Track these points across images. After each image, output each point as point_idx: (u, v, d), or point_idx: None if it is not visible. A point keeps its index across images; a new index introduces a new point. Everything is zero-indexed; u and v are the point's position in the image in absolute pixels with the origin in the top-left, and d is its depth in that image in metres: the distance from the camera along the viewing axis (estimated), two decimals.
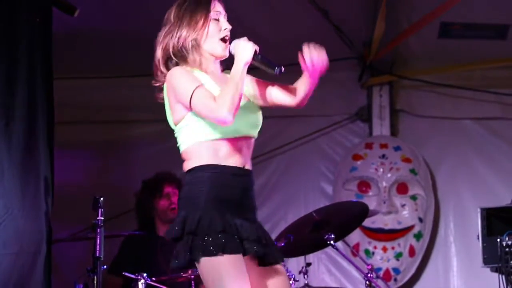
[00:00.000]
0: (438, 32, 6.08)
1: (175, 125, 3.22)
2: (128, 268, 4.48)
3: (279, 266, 3.24)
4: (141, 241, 5.18)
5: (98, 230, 4.16)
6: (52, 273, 4.43)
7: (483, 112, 6.51)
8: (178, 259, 3.09)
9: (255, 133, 3.26)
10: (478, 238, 4.75)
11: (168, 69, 3.23)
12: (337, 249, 4.75)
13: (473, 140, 6.52)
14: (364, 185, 6.36)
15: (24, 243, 4.21)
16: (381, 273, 6.14)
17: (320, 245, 4.75)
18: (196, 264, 3.07)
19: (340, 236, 4.81)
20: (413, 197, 6.33)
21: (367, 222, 5.89)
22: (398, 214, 6.30)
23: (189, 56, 3.22)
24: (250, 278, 3.08)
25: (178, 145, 3.24)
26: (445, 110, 6.57)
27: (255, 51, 3.18)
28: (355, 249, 6.06)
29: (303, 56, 3.22)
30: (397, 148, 6.43)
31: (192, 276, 4.38)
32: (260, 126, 3.29)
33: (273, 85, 3.35)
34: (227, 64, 3.29)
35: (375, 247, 6.26)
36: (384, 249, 6.25)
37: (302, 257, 4.98)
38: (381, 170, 6.35)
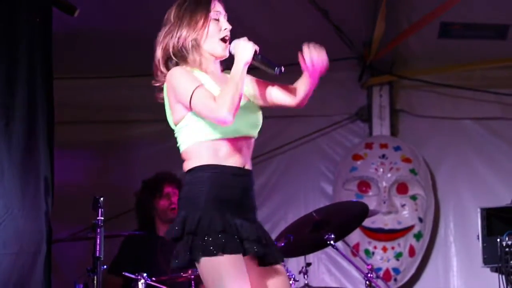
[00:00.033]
0: (438, 32, 6.08)
1: (175, 125, 3.22)
2: (128, 268, 4.48)
3: (279, 266, 3.24)
4: (141, 241, 5.18)
5: (98, 230, 4.16)
6: (52, 273, 4.43)
7: (483, 112, 6.51)
8: (178, 259, 3.09)
9: (255, 133, 3.26)
10: (478, 238, 4.75)
11: (168, 69, 3.23)
12: (337, 249, 4.75)
13: (473, 140, 6.52)
14: (364, 185, 6.36)
15: (24, 243, 4.21)
16: (381, 273, 6.14)
17: (320, 245, 4.75)
18: (196, 264, 3.07)
19: (340, 236, 4.81)
20: (413, 197, 6.33)
21: (367, 222, 5.89)
22: (398, 214, 6.30)
23: (189, 56, 3.22)
24: (250, 278, 3.08)
25: (178, 145, 3.24)
26: (445, 110, 6.57)
27: (255, 51, 3.17)
28: (355, 249, 6.06)
29: (303, 56, 3.21)
30: (397, 148, 6.43)
31: (192, 276, 4.38)
32: (260, 126, 3.29)
33: (273, 85, 3.35)
34: (227, 64, 3.29)
35: (375, 247, 6.26)
36: (384, 249, 6.25)
37: (302, 257, 4.98)
38: (381, 170, 6.35)
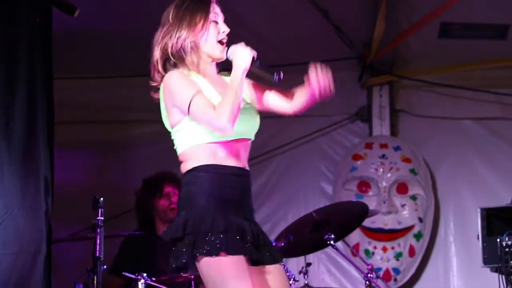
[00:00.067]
0: (438, 32, 6.08)
1: (172, 127, 3.22)
2: (128, 268, 4.47)
3: (278, 266, 3.23)
4: (141, 241, 5.18)
5: (98, 230, 4.15)
6: (52, 273, 4.42)
7: (483, 112, 6.52)
8: (178, 260, 3.08)
9: (253, 135, 3.26)
10: (478, 238, 4.76)
11: (165, 69, 3.22)
12: (337, 249, 4.75)
13: (473, 140, 6.52)
14: (364, 185, 6.36)
15: (24, 243, 4.20)
16: (381, 273, 6.14)
17: (320, 245, 4.75)
18: (197, 264, 3.06)
19: (340, 236, 4.81)
20: (413, 197, 6.33)
21: (367, 222, 5.89)
22: (398, 214, 6.30)
23: (187, 57, 3.21)
24: (251, 278, 3.08)
25: (175, 147, 3.23)
26: (445, 110, 6.57)
27: (253, 57, 3.17)
28: (355, 249, 6.07)
29: (308, 76, 3.19)
30: (397, 148, 6.44)
31: (192, 276, 4.37)
32: (257, 129, 3.29)
33: (270, 90, 3.35)
34: (223, 65, 3.29)
35: (375, 247, 6.26)
36: (384, 249, 6.25)
37: (302, 257, 4.98)
38: (381, 170, 6.35)
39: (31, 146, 4.32)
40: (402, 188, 6.34)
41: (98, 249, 4.14)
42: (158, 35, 3.24)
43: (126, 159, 6.38)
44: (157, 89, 3.25)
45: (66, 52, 5.43)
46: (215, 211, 3.09)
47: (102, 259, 4.14)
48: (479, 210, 4.80)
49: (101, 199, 4.19)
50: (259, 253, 3.15)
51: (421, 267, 6.41)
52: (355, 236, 6.14)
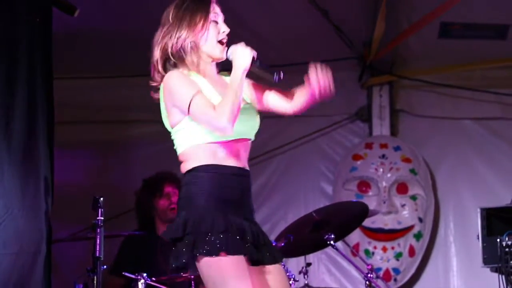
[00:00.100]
0: (438, 32, 6.08)
1: (172, 127, 3.22)
2: (128, 268, 4.47)
3: (278, 266, 3.23)
4: (141, 241, 5.18)
5: (98, 230, 4.15)
6: (52, 273, 4.42)
7: (483, 112, 6.51)
8: (178, 260, 3.08)
9: (253, 135, 3.26)
10: (478, 238, 4.76)
11: (165, 69, 3.22)
12: (337, 249, 4.75)
13: (473, 140, 6.53)
14: (364, 185, 6.36)
15: (24, 243, 4.20)
16: (381, 273, 6.14)
17: (320, 245, 4.75)
18: (197, 264, 3.06)
19: (340, 236, 4.81)
20: (413, 197, 6.33)
21: (367, 222, 5.89)
22: (398, 214, 6.30)
23: (187, 57, 3.21)
24: (251, 279, 3.07)
25: (175, 147, 3.23)
26: (445, 110, 6.57)
27: (253, 57, 3.16)
28: (355, 249, 6.06)
29: (308, 76, 3.18)
30: (397, 148, 6.44)
31: (192, 276, 4.37)
32: (257, 129, 3.28)
33: (270, 90, 3.35)
34: (223, 65, 3.29)
35: (375, 247, 6.26)
36: (384, 249, 6.25)
37: (302, 257, 4.98)
38: (381, 170, 6.35)
39: (31, 146, 4.32)
40: (402, 188, 6.34)
41: (98, 249, 4.14)
42: (158, 35, 3.24)
43: (126, 159, 6.38)
44: (157, 89, 3.25)
45: (66, 52, 5.43)
46: (215, 211, 3.08)
47: (102, 259, 4.14)
48: (479, 210, 4.80)
49: (101, 199, 4.19)
50: (259, 253, 3.15)
51: (421, 267, 6.41)
52: (355, 236, 6.14)
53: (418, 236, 6.28)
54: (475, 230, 4.80)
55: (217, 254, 3.01)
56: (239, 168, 3.18)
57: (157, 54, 3.23)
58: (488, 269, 4.79)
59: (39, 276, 4.28)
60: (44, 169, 4.38)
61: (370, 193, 6.33)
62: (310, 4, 5.60)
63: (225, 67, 3.26)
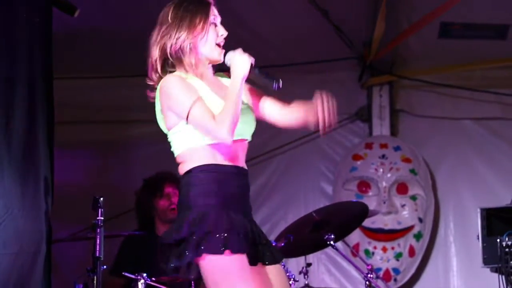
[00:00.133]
0: (438, 32, 6.08)
1: (168, 130, 3.21)
2: (128, 268, 4.47)
3: (278, 266, 3.23)
4: (141, 241, 5.18)
5: (98, 230, 4.15)
6: (52, 273, 4.42)
7: (483, 112, 6.52)
8: (181, 260, 3.07)
9: (250, 136, 3.26)
10: (478, 238, 4.75)
11: (164, 70, 3.22)
12: (337, 249, 4.75)
13: (473, 140, 6.53)
14: (364, 185, 6.36)
15: (24, 243, 4.20)
16: (381, 273, 6.14)
17: (320, 245, 4.74)
18: (200, 262, 3.05)
19: (340, 236, 4.81)
20: (413, 197, 6.33)
21: (367, 222, 5.89)
22: (398, 214, 6.30)
23: (185, 58, 3.20)
24: (252, 277, 3.07)
25: (172, 149, 3.23)
26: (445, 110, 6.57)
27: (251, 64, 3.16)
28: (355, 249, 6.06)
29: (312, 103, 3.15)
30: (397, 148, 6.43)
31: (192, 276, 4.36)
32: (254, 129, 3.28)
33: (266, 98, 3.33)
34: (218, 65, 3.29)
35: (375, 247, 6.26)
36: (384, 249, 6.25)
37: (302, 258, 4.98)
38: (381, 170, 6.35)
39: (31, 146, 4.31)
40: (402, 188, 6.34)
41: (98, 249, 4.14)
42: (157, 35, 3.23)
43: (126, 159, 6.38)
44: (153, 88, 3.25)
45: (66, 52, 5.43)
46: (217, 210, 3.08)
47: (102, 259, 4.14)
48: (479, 210, 4.80)
49: (101, 199, 4.19)
50: (259, 252, 3.16)
51: (421, 267, 6.41)
52: (355, 236, 6.14)
53: (418, 236, 6.28)
54: (475, 230, 4.80)
55: (221, 252, 3.00)
56: (238, 167, 3.18)
57: (155, 53, 3.22)
58: (488, 269, 4.79)
59: (39, 276, 4.28)
60: (44, 169, 4.38)
61: (370, 193, 6.33)
62: (310, 4, 5.60)
63: (220, 67, 3.26)
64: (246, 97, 3.29)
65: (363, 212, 4.79)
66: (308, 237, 4.71)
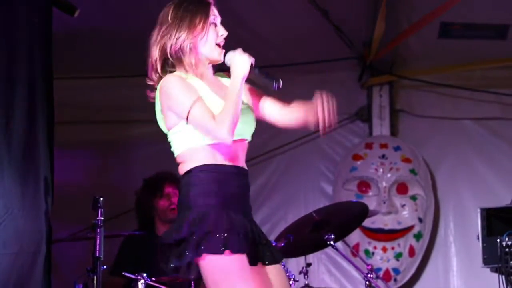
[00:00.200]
0: (438, 32, 6.08)
1: (168, 130, 3.21)
2: (128, 268, 4.47)
3: (278, 266, 3.23)
4: (141, 241, 5.18)
5: (98, 230, 4.15)
6: (52, 273, 4.42)
7: (483, 112, 6.52)
8: (181, 260, 3.06)
9: (250, 136, 3.26)
10: (478, 238, 4.75)
11: (164, 69, 3.22)
12: (337, 249, 4.75)
13: (473, 140, 6.53)
14: (364, 185, 6.36)
15: (24, 243, 4.20)
16: (381, 273, 6.14)
17: (320, 245, 4.74)
18: (201, 262, 3.05)
19: (340, 236, 4.81)
20: (413, 197, 6.33)
21: (367, 222, 5.89)
22: (398, 214, 6.30)
23: (185, 58, 3.20)
24: (252, 277, 3.07)
25: (172, 149, 3.23)
26: (445, 110, 6.57)
27: (251, 64, 3.16)
28: (355, 249, 6.06)
29: (312, 103, 3.15)
30: (397, 148, 6.43)
31: (192, 276, 4.36)
32: (254, 129, 3.28)
33: (266, 98, 3.33)
34: (219, 65, 3.29)
35: (375, 247, 6.26)
36: (384, 249, 6.25)
37: (302, 258, 4.98)
38: (381, 170, 6.35)
39: (31, 146, 4.31)
40: (402, 188, 6.33)
41: (98, 249, 4.14)
42: (157, 34, 3.22)
43: (126, 159, 6.38)
44: (153, 88, 3.25)
45: (66, 52, 5.43)
46: (217, 209, 3.08)
47: (102, 259, 4.14)
48: (479, 210, 4.80)
49: (101, 199, 4.19)
50: (259, 252, 3.16)
51: (421, 267, 6.41)
52: (355, 236, 6.14)
53: (418, 236, 6.28)
54: (475, 230, 4.80)
55: (221, 252, 3.00)
56: (238, 167, 3.18)
57: (156, 53, 3.22)
58: (488, 269, 4.79)
59: (39, 276, 4.28)
60: (44, 169, 4.38)
61: (370, 193, 6.33)
62: (310, 4, 5.60)
63: (220, 67, 3.26)
64: (246, 97, 3.29)
65: (363, 212, 4.79)
66: (308, 237, 4.71)
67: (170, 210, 5.23)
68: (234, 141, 3.15)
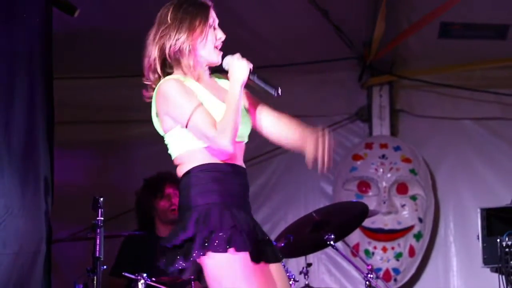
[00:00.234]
0: (438, 32, 6.08)
1: (165, 133, 3.21)
2: (128, 268, 4.47)
3: (279, 265, 3.23)
4: (141, 241, 5.18)
5: (98, 230, 4.15)
6: (52, 273, 4.42)
7: (483, 112, 6.52)
8: (186, 259, 3.05)
9: (247, 138, 3.26)
10: (478, 238, 4.75)
11: (162, 70, 3.21)
12: (337, 249, 4.75)
13: (473, 140, 6.53)
14: (364, 185, 6.36)
15: (24, 243, 4.20)
16: (381, 274, 6.14)
17: (320, 245, 4.74)
18: (205, 260, 3.03)
19: (340, 236, 4.81)
20: (413, 197, 6.33)
21: (367, 222, 5.89)
22: (398, 214, 6.30)
23: (183, 60, 3.19)
24: (255, 275, 3.07)
25: (169, 151, 3.22)
26: (445, 110, 6.57)
27: (250, 70, 3.16)
28: (355, 249, 6.06)
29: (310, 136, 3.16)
30: (397, 148, 6.43)
31: (192, 276, 4.37)
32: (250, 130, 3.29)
33: (262, 110, 3.32)
34: (215, 67, 3.29)
35: (375, 247, 6.26)
36: (384, 249, 6.25)
37: (302, 258, 4.98)
38: (381, 170, 6.35)
39: (31, 146, 4.31)
40: (402, 188, 6.33)
41: (98, 249, 4.13)
42: (155, 34, 3.22)
43: (126, 159, 6.37)
44: (151, 88, 3.25)
45: (66, 52, 5.43)
46: (220, 208, 3.08)
47: (102, 259, 4.14)
48: (479, 210, 4.80)
49: (101, 199, 4.19)
50: (262, 250, 3.15)
51: (421, 267, 6.41)
52: (355, 236, 6.14)
53: (418, 236, 6.28)
54: (475, 230, 4.80)
55: (225, 250, 3.00)
56: (237, 166, 3.18)
57: (154, 53, 3.21)
58: (488, 269, 4.79)
59: (39, 276, 4.28)
60: (44, 169, 4.38)
61: (370, 193, 6.33)
62: (310, 4, 5.60)
63: (216, 68, 3.26)
64: (242, 99, 3.29)
65: (363, 212, 4.79)
66: (308, 237, 4.71)
67: (171, 210, 5.22)
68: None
